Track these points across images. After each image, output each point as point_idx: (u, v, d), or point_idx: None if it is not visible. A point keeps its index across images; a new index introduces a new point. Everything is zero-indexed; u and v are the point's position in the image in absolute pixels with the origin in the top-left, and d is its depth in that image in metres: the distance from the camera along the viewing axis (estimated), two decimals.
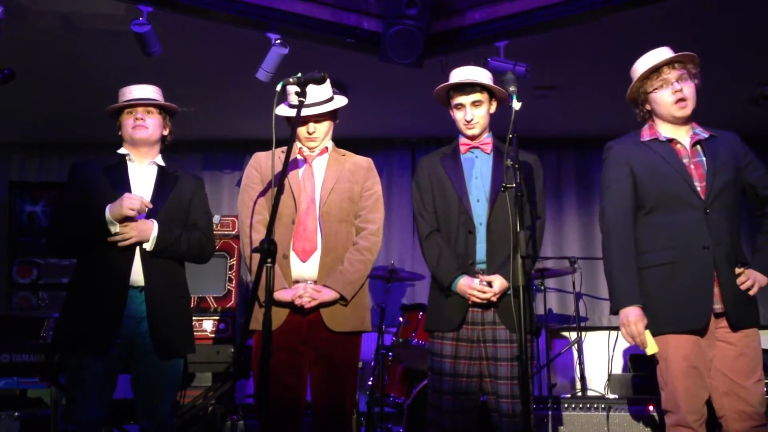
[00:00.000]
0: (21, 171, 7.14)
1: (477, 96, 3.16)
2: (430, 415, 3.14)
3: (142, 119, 3.19)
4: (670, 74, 2.89)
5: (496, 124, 3.25)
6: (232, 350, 4.31)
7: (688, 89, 2.89)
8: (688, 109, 2.89)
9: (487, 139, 3.25)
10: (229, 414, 4.71)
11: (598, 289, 6.76)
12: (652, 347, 2.79)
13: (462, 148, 3.26)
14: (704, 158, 2.88)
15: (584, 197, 7.05)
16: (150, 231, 3.05)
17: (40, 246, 6.44)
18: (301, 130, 3.13)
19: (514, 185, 2.72)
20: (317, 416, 3.05)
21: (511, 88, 2.81)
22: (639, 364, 6.12)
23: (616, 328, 6.65)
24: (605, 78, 5.48)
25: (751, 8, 4.43)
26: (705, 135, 2.93)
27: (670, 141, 2.93)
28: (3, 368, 3.92)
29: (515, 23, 4.38)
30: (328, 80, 2.99)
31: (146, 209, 3.04)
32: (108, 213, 2.98)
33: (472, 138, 3.23)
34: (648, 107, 3.00)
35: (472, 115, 3.17)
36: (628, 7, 4.21)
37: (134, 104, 3.20)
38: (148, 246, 3.05)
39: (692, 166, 2.87)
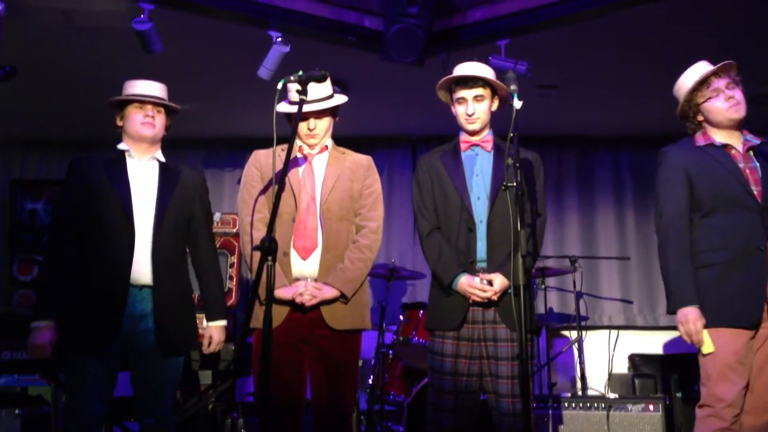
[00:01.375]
0: (22, 168, 7.14)
1: (479, 90, 3.16)
2: (430, 414, 3.14)
3: (152, 117, 3.15)
4: (719, 83, 2.99)
5: (498, 122, 3.25)
6: (233, 348, 4.31)
7: (739, 94, 2.98)
8: (742, 111, 2.98)
9: (487, 136, 3.25)
10: (229, 412, 4.71)
11: (599, 288, 6.77)
12: (708, 346, 2.84)
13: (462, 146, 3.26)
14: (758, 164, 2.97)
15: (585, 196, 7.04)
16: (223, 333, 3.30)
17: (41, 243, 6.44)
18: (302, 127, 3.12)
19: (515, 184, 2.71)
20: (317, 414, 3.05)
21: (513, 87, 2.81)
22: (639, 363, 6.13)
23: (617, 327, 6.73)
24: (607, 77, 5.49)
25: (754, 7, 4.43)
26: (756, 141, 3.01)
27: (725, 146, 3.00)
28: (3, 366, 3.91)
29: (516, 22, 4.37)
30: (328, 78, 3.00)
31: None
32: None
33: (473, 134, 3.23)
34: (700, 118, 3.07)
35: (474, 109, 3.16)
36: (630, 5, 4.20)
37: (145, 101, 3.18)
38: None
39: (747, 171, 2.94)
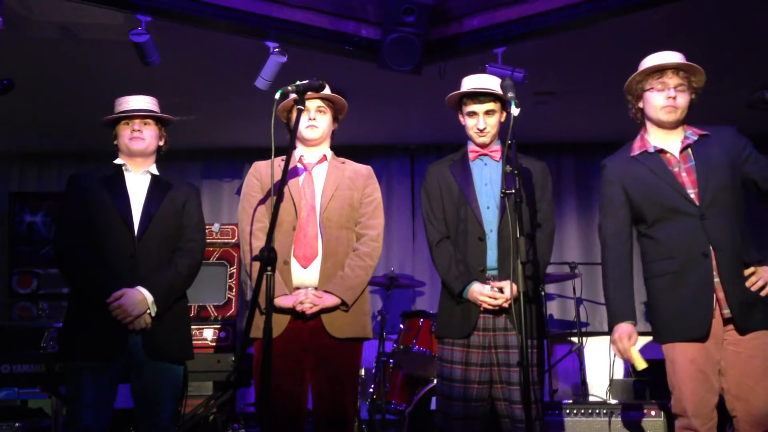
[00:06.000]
0: (20, 181, 7.14)
1: (491, 105, 3.18)
2: (439, 422, 3.14)
3: (139, 131, 3.20)
4: (671, 80, 2.87)
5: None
6: (233, 359, 4.31)
7: (682, 99, 2.87)
8: (674, 115, 2.87)
9: (495, 146, 3.27)
10: (230, 422, 4.70)
11: (599, 295, 6.75)
12: (639, 363, 2.79)
13: (471, 155, 3.28)
14: (695, 162, 2.86)
15: (584, 202, 7.05)
16: (144, 304, 3.02)
17: (40, 256, 6.44)
18: (303, 120, 3.12)
19: (513, 191, 2.72)
20: (318, 424, 3.05)
21: (510, 94, 2.82)
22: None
23: None
24: (604, 83, 5.48)
25: (750, 13, 4.44)
26: (694, 138, 2.91)
27: (660, 151, 2.92)
28: (3, 379, 3.91)
29: (513, 29, 4.38)
30: (327, 87, 3.02)
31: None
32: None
33: (483, 146, 3.24)
34: (640, 104, 2.97)
35: (485, 123, 3.19)
36: (625, 13, 4.21)
37: (131, 116, 3.21)
38: (152, 312, 3.05)
39: (684, 174, 2.86)
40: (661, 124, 2.92)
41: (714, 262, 2.77)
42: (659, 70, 2.90)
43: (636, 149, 2.98)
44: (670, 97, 2.86)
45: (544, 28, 4.35)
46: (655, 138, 2.95)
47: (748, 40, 4.79)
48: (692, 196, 2.81)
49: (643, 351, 2.86)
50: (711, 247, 2.77)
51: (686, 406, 2.75)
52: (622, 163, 2.99)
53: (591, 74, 5.38)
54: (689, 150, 2.90)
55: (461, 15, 4.48)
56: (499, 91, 3.15)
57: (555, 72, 5.30)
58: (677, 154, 2.90)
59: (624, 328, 2.82)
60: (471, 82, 3.23)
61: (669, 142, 2.93)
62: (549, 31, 4.39)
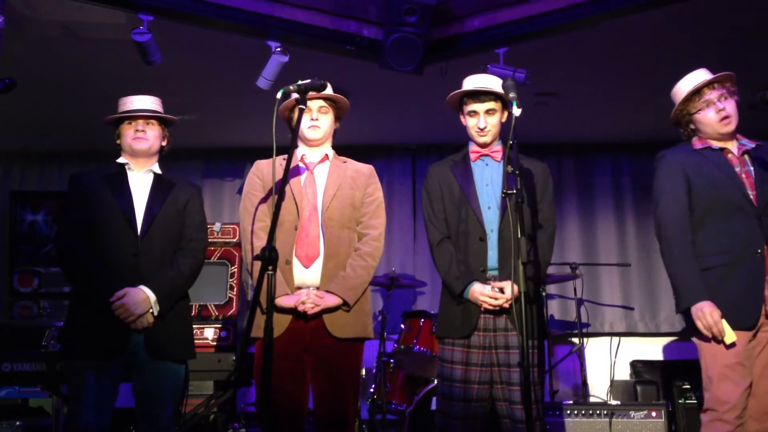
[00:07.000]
0: (22, 180, 7.14)
1: (491, 104, 3.19)
2: (439, 422, 3.14)
3: (142, 131, 3.20)
4: (712, 94, 3.02)
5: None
6: (234, 358, 4.31)
7: (730, 106, 3.02)
8: (732, 125, 3.01)
9: (497, 146, 3.27)
10: (230, 422, 4.70)
11: (600, 295, 6.76)
12: (730, 336, 2.84)
13: (472, 156, 3.28)
14: (752, 168, 2.99)
15: (585, 203, 7.04)
16: (146, 303, 3.02)
17: (41, 255, 6.45)
18: (305, 120, 3.12)
19: (514, 191, 2.72)
20: (319, 424, 3.05)
21: (511, 95, 2.82)
22: (641, 370, 6.11)
23: (618, 334, 6.71)
24: (605, 83, 5.50)
25: (752, 13, 4.44)
26: (751, 145, 3.04)
27: (722, 150, 3.03)
28: (4, 377, 3.91)
29: (515, 30, 4.38)
30: (329, 86, 3.02)
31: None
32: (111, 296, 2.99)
33: (484, 146, 3.25)
34: (692, 127, 3.10)
35: (486, 123, 3.19)
36: (627, 13, 4.21)
37: (135, 116, 3.21)
38: (154, 311, 3.05)
39: (743, 175, 2.98)
40: (721, 137, 3.04)
41: (764, 261, 2.87)
42: (697, 92, 3.03)
43: (698, 144, 3.08)
44: (720, 110, 3.00)
45: (546, 28, 4.35)
46: (713, 142, 3.07)
47: (748, 40, 4.79)
48: (751, 196, 2.93)
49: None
50: (766, 246, 2.88)
51: (726, 398, 2.80)
52: (685, 154, 3.08)
53: (592, 75, 5.38)
54: (746, 155, 3.03)
55: (463, 15, 4.48)
56: (500, 91, 3.16)
57: (556, 72, 5.30)
58: (737, 155, 3.03)
59: (706, 303, 2.86)
60: (472, 82, 3.24)
61: (726, 145, 3.06)
62: (551, 31, 4.39)
